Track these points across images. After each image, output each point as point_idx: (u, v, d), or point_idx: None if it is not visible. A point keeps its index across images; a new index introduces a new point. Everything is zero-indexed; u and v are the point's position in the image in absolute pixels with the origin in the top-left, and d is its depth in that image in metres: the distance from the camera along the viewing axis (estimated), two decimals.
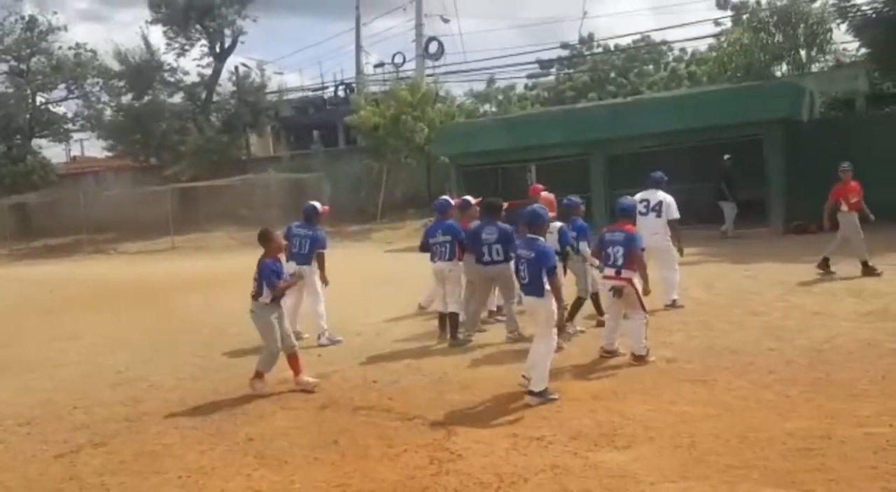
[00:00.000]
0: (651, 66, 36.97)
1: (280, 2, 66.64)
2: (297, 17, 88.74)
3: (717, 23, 29.69)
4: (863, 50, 20.01)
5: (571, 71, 39.14)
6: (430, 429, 5.61)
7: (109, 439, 5.98)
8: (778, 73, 23.69)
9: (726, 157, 17.45)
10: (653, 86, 33.66)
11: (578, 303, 8.35)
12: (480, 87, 37.51)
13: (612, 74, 36.25)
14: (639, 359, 7.03)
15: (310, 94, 39.12)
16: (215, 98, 33.08)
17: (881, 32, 16.91)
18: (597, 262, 7.11)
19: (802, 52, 23.27)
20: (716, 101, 18.31)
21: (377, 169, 27.54)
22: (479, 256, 8.32)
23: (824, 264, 10.81)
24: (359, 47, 37.36)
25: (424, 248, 8.86)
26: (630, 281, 7.04)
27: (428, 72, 33.68)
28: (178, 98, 33.23)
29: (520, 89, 39.70)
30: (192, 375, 7.93)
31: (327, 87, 39.15)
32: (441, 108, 28.06)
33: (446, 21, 38.09)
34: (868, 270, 10.60)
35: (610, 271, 7.14)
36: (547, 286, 6.12)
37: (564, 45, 39.92)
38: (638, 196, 9.39)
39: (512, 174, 23.05)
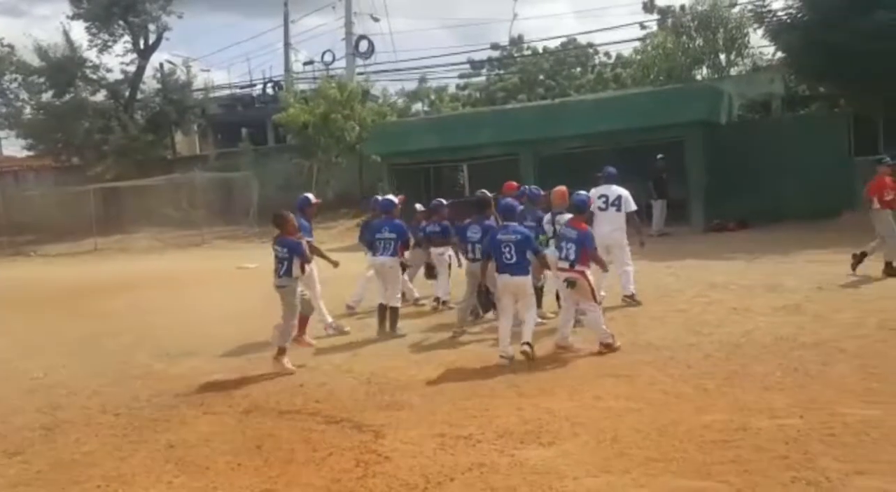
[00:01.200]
0: (578, 69, 37.55)
1: None
2: (223, 13, 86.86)
3: (643, 26, 30.30)
4: (779, 54, 20.71)
5: (502, 72, 39.47)
6: (357, 431, 5.58)
7: (25, 449, 5.77)
8: (699, 77, 24.36)
9: (659, 156, 17.86)
10: (580, 88, 34.18)
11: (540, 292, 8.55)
12: (412, 86, 37.52)
13: (541, 77, 36.69)
14: (607, 347, 7.23)
15: (238, 91, 38.38)
16: (140, 96, 32.22)
17: (796, 37, 17.49)
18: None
19: (722, 56, 23.98)
20: (639, 103, 18.73)
21: (308, 168, 27.24)
22: (465, 253, 8.95)
23: (890, 269, 10.05)
24: (287, 45, 36.88)
25: (364, 240, 9.68)
26: (583, 274, 7.28)
27: (359, 70, 33.53)
28: (101, 96, 32.19)
29: (452, 89, 39.85)
30: (112, 380, 7.69)
31: (256, 85, 38.57)
32: (373, 106, 27.94)
33: (376, 20, 37.97)
34: (891, 271, 10.07)
35: (564, 264, 7.36)
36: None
37: (495, 46, 40.27)
38: (594, 192, 9.51)
39: (443, 174, 23.10)
